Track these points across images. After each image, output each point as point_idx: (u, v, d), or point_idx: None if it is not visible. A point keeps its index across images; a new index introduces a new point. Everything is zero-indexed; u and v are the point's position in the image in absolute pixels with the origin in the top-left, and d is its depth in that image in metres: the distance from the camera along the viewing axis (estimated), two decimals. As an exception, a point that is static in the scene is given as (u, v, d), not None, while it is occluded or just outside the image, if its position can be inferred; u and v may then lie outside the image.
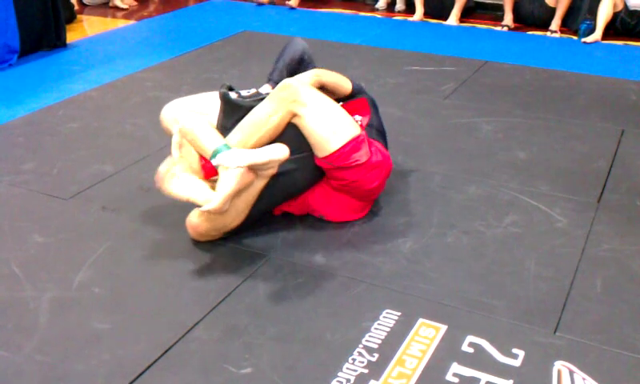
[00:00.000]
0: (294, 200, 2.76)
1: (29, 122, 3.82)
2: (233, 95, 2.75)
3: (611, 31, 5.70)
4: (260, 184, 2.55)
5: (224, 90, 2.74)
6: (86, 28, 6.04)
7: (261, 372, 2.03)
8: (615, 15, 5.64)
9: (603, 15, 5.53)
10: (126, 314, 2.28)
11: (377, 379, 1.99)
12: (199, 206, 2.47)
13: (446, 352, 2.10)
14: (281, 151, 2.47)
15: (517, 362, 2.06)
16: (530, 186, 3.09)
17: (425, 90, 4.30)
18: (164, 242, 2.68)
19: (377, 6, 6.72)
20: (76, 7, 6.39)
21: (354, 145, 2.58)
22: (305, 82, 2.72)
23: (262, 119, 2.57)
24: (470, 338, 2.15)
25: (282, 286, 2.42)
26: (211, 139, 2.53)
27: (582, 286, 2.42)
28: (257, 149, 2.49)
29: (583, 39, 5.50)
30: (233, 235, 2.65)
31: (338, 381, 1.99)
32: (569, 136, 3.63)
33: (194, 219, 2.61)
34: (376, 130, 2.89)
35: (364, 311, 2.28)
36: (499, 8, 6.23)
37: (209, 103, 2.84)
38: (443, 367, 2.05)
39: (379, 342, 2.14)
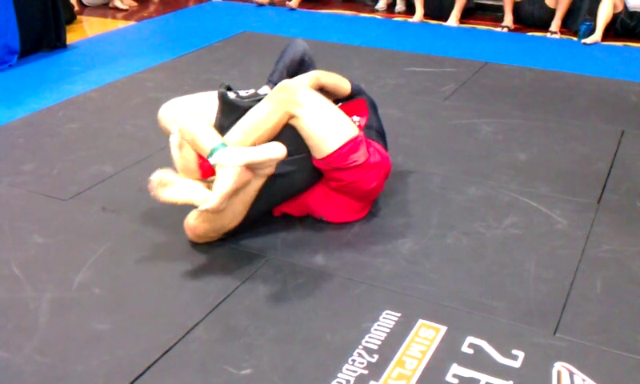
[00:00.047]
0: (293, 201, 2.76)
1: (29, 123, 3.82)
2: (231, 95, 2.75)
3: (611, 32, 5.70)
4: (257, 184, 2.55)
5: (222, 90, 2.75)
6: (86, 29, 6.04)
7: (261, 373, 2.03)
8: (615, 16, 5.64)
9: (603, 16, 5.53)
10: (125, 315, 2.28)
11: (376, 380, 1.99)
12: (197, 207, 2.47)
13: (446, 353, 2.10)
14: (278, 150, 2.47)
15: (517, 363, 2.06)
16: (529, 187, 3.09)
17: (425, 91, 4.30)
18: (164, 242, 2.68)
19: (377, 7, 6.72)
20: (76, 8, 6.40)
21: (352, 146, 2.58)
22: (303, 83, 2.73)
23: (260, 120, 2.57)
24: (470, 339, 2.15)
25: (282, 287, 2.42)
26: (210, 138, 2.53)
27: (581, 287, 2.42)
28: (254, 147, 2.50)
29: (583, 40, 5.50)
30: (232, 236, 2.65)
31: (337, 382, 1.99)
32: (569, 137, 3.63)
33: (192, 221, 2.61)
34: (375, 131, 2.89)
35: (364, 312, 2.28)
36: (499, 9, 6.22)
37: (207, 103, 2.84)
38: (443, 368, 2.05)
39: (379, 342, 2.14)
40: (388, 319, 2.24)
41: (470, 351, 2.11)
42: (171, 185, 2.49)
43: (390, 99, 4.03)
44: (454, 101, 4.15)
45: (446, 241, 2.69)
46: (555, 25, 5.81)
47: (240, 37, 5.56)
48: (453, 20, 6.07)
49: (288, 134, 2.57)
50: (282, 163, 2.54)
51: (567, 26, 5.90)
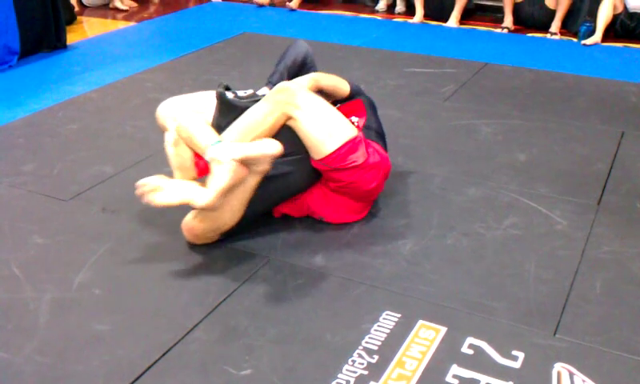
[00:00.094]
0: (292, 202, 2.76)
1: (29, 124, 3.82)
2: (229, 95, 2.75)
3: (611, 33, 5.70)
4: (253, 181, 2.55)
5: (220, 90, 2.75)
6: (86, 29, 6.05)
7: (261, 373, 2.03)
8: (615, 17, 5.65)
9: (603, 17, 5.53)
10: (125, 315, 2.28)
11: (376, 381, 1.99)
12: (193, 207, 2.47)
13: (446, 354, 2.10)
14: (273, 146, 2.47)
15: (517, 364, 2.06)
16: (529, 188, 3.09)
17: (425, 91, 4.30)
18: (164, 243, 2.68)
19: (377, 7, 6.73)
20: (76, 8, 6.40)
21: (350, 146, 2.58)
22: (302, 85, 2.73)
23: (257, 120, 2.57)
24: (470, 340, 2.15)
25: (282, 288, 2.42)
26: (206, 136, 2.54)
27: (581, 288, 2.42)
28: (250, 143, 2.50)
29: (583, 41, 5.50)
30: (232, 237, 2.65)
31: (337, 382, 1.99)
32: (569, 138, 3.64)
33: (189, 221, 2.61)
34: (374, 132, 2.88)
35: (364, 313, 2.28)
36: (499, 10, 6.23)
37: (205, 102, 2.83)
38: (443, 369, 2.05)
39: (379, 343, 2.14)
40: (388, 320, 2.24)
41: (470, 352, 2.11)
42: (161, 189, 2.47)
43: (390, 100, 4.03)
44: (453, 101, 4.15)
45: (445, 241, 2.69)
46: (555, 26, 5.82)
47: (240, 38, 5.56)
48: (453, 21, 6.08)
49: (286, 134, 2.57)
50: (279, 164, 2.54)
51: (567, 27, 5.91)
